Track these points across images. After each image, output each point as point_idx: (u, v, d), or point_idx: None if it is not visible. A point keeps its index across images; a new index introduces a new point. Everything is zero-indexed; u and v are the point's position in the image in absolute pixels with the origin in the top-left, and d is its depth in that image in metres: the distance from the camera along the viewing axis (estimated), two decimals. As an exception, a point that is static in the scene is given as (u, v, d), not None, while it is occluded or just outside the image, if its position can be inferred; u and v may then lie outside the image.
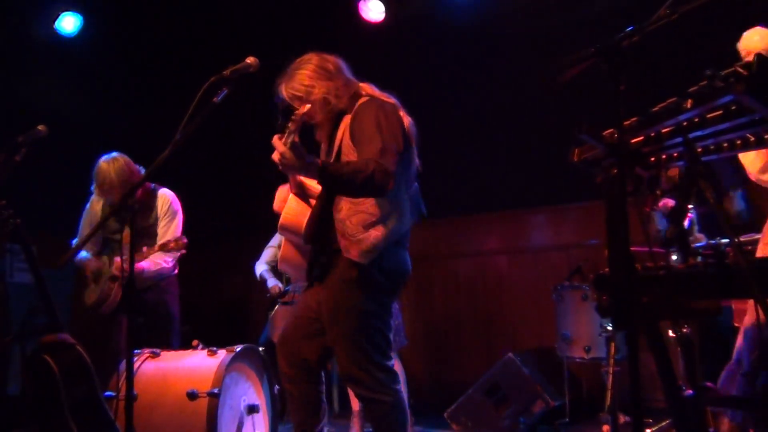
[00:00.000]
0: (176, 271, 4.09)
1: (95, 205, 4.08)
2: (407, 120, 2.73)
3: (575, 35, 4.85)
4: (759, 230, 3.00)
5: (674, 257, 2.78)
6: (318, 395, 2.79)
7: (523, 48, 5.35)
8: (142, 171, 3.87)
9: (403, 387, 2.75)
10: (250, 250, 5.45)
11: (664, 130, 1.53)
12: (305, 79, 2.69)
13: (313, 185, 2.85)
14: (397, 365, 2.84)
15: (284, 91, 2.73)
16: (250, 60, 2.52)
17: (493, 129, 5.69)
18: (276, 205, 4.56)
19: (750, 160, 2.93)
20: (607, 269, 1.60)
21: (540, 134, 5.14)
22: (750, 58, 1.31)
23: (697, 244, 3.49)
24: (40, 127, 3.21)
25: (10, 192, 3.12)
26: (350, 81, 2.76)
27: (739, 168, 3.04)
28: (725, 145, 1.48)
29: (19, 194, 3.37)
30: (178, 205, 4.07)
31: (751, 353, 2.69)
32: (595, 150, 1.62)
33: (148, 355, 3.36)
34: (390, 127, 2.60)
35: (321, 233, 2.74)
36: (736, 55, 3.07)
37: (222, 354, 3.29)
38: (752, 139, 1.44)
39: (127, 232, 2.57)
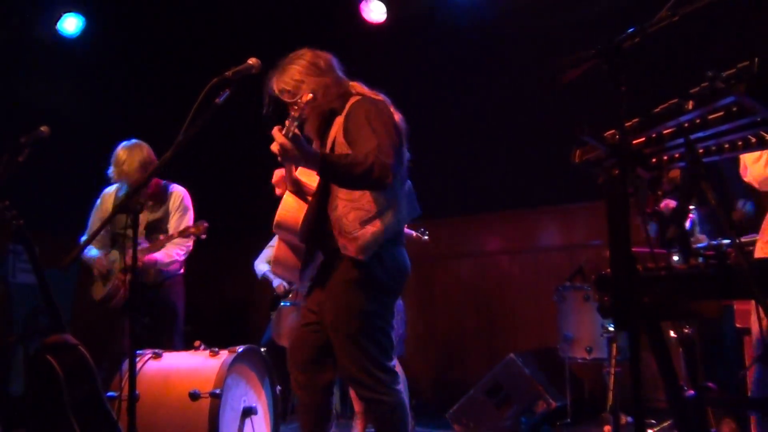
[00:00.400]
0: (182, 270, 4.11)
1: (107, 200, 4.09)
2: (398, 116, 2.74)
3: (575, 35, 4.86)
4: (758, 231, 2.98)
5: (675, 258, 2.78)
6: (329, 404, 2.79)
7: (523, 48, 5.35)
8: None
9: (403, 388, 2.75)
10: (252, 251, 5.45)
11: (665, 131, 1.53)
12: (296, 74, 2.70)
13: (310, 182, 2.83)
14: (397, 367, 2.83)
15: (274, 84, 2.74)
16: (252, 61, 2.52)
17: (495, 129, 5.69)
18: (277, 185, 4.55)
19: (756, 174, 2.81)
20: (608, 270, 1.60)
21: (541, 134, 5.14)
22: None
23: (699, 245, 3.49)
24: (42, 128, 3.23)
25: (13, 192, 3.13)
26: (340, 79, 2.77)
27: None
28: (726, 146, 1.48)
29: (22, 195, 3.38)
30: (189, 202, 4.11)
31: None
32: (596, 151, 1.62)
33: (150, 355, 3.38)
34: (384, 123, 2.61)
35: (317, 232, 2.75)
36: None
37: (224, 355, 3.31)
38: (754, 140, 1.44)
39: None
